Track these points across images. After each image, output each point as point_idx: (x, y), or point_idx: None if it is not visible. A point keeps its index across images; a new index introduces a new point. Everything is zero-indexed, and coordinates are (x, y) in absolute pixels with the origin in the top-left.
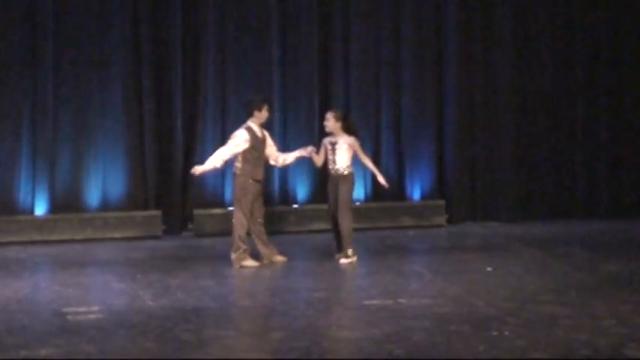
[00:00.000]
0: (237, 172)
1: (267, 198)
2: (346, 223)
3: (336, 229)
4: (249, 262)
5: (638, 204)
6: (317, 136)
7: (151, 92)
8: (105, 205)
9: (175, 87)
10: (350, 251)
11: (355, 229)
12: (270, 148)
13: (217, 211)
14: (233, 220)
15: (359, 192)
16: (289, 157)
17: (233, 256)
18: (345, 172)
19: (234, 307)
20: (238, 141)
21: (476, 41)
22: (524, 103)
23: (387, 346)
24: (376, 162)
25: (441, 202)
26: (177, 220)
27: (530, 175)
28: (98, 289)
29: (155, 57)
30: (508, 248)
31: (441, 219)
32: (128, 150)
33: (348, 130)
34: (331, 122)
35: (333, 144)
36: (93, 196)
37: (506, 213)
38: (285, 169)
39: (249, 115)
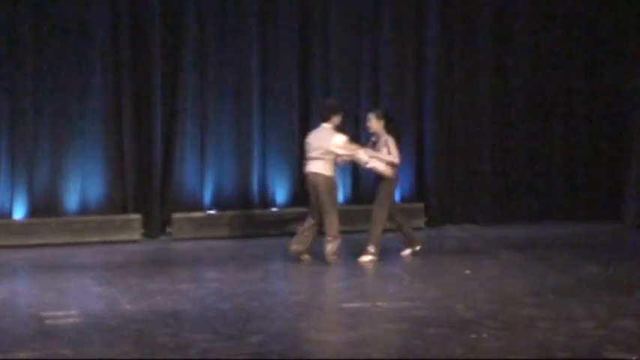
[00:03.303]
0: (329, 173)
1: (245, 201)
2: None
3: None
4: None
5: (615, 206)
6: (297, 140)
7: (130, 96)
8: (84, 209)
9: (154, 91)
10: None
11: None
12: None
13: (196, 214)
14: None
15: (339, 194)
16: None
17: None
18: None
19: (213, 311)
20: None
21: (456, 47)
22: (503, 108)
23: (365, 349)
24: (355, 165)
25: (420, 205)
26: (155, 224)
27: (508, 178)
28: (76, 293)
29: (134, 62)
30: (486, 251)
31: (420, 222)
32: (107, 154)
33: (389, 129)
34: (373, 122)
35: (375, 143)
36: (72, 200)
37: (485, 216)
38: (264, 172)
39: (326, 119)
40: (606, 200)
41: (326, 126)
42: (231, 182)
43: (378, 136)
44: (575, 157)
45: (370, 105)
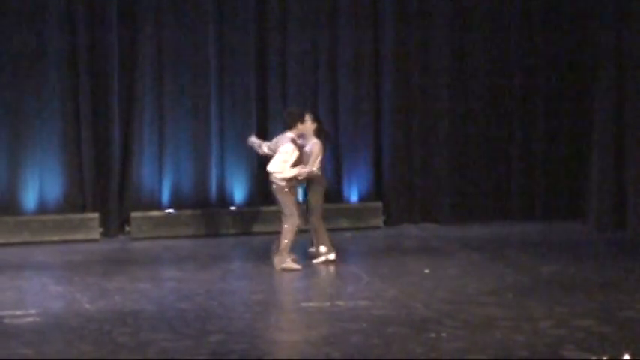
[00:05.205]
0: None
1: (204, 200)
2: (315, 223)
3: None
4: (293, 265)
5: (574, 205)
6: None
7: (88, 95)
8: (42, 208)
9: (112, 90)
10: (322, 248)
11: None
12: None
13: (154, 213)
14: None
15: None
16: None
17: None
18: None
19: (172, 310)
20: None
21: (412, 46)
22: (461, 107)
23: (325, 348)
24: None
25: (378, 204)
26: (114, 223)
27: (467, 177)
28: (35, 293)
29: (92, 60)
30: (445, 250)
31: (378, 221)
32: (65, 153)
33: (319, 133)
34: (308, 124)
35: (302, 146)
36: (30, 198)
37: (444, 215)
38: (222, 171)
39: (291, 127)
40: (566, 199)
41: (288, 135)
42: (189, 181)
43: (305, 138)
44: (533, 157)
45: (328, 105)
